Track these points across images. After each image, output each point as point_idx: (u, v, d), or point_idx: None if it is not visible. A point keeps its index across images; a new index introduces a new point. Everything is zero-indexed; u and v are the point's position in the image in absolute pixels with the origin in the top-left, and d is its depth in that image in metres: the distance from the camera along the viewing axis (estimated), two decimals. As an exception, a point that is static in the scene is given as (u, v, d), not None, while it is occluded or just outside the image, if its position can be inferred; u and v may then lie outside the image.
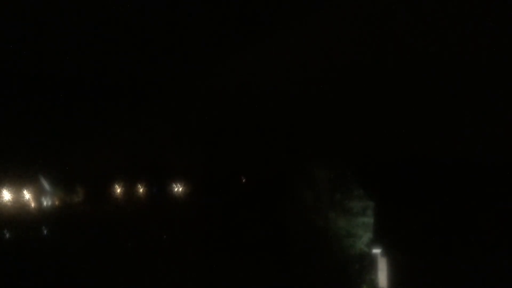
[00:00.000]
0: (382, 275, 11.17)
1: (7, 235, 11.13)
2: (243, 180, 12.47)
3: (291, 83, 11.25)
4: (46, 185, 11.60)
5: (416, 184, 11.12)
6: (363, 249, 11.36)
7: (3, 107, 11.19)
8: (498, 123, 10.61)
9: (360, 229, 11.37)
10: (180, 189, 12.32)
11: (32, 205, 11.39)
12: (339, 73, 10.80)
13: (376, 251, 11.25)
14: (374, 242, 11.31)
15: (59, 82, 11.57)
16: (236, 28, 10.98)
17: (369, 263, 11.29)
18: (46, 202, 11.65)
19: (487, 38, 10.11)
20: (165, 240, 12.04)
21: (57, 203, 11.75)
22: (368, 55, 10.68)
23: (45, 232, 11.59)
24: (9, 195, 11.06)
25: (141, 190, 12.34)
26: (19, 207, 11.17)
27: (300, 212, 11.73)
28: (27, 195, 11.31)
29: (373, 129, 11.17)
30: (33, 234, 11.37)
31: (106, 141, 11.77)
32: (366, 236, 11.35)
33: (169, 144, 12.07)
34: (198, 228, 11.86)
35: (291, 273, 11.38)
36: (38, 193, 11.49)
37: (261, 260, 11.45)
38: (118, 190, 12.21)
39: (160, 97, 11.90)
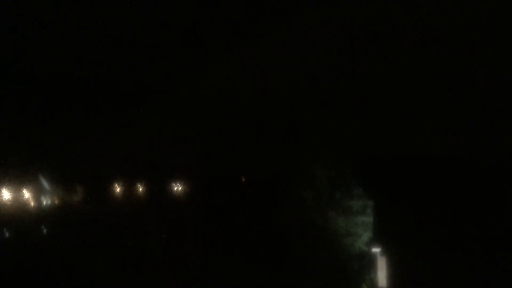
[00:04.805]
0: (382, 274, 11.16)
1: (7, 234, 11.10)
2: (243, 180, 12.47)
3: (291, 82, 11.30)
4: (45, 184, 11.59)
5: (416, 183, 11.14)
6: (362, 248, 11.36)
7: (3, 107, 11.20)
8: (498, 123, 10.66)
9: (360, 228, 11.38)
10: (180, 188, 12.32)
11: (32, 204, 11.37)
12: (339, 72, 10.86)
13: (376, 250, 11.25)
14: (373, 241, 11.31)
15: (59, 82, 11.60)
16: (235, 28, 11.05)
17: (369, 262, 11.28)
18: (45, 201, 11.63)
19: (486, 38, 10.20)
20: (164, 240, 12.01)
21: (56, 202, 11.74)
22: (368, 54, 10.75)
23: (44, 231, 11.56)
24: (9, 194, 11.05)
25: (141, 189, 12.33)
26: (19, 206, 11.15)
27: (300, 212, 11.73)
28: (26, 194, 11.30)
29: (373, 128, 11.22)
30: (33, 233, 11.34)
31: (106, 140, 11.79)
32: (366, 235, 11.36)
33: (169, 144, 12.09)
34: (198, 228, 11.85)
35: (290, 273, 11.36)
36: (38, 193, 11.48)
37: (260, 260, 11.44)
38: (118, 190, 12.20)
39: (160, 96, 11.94)
